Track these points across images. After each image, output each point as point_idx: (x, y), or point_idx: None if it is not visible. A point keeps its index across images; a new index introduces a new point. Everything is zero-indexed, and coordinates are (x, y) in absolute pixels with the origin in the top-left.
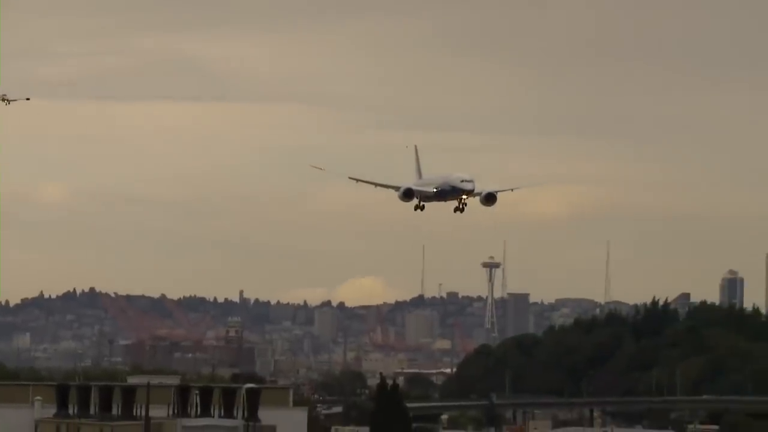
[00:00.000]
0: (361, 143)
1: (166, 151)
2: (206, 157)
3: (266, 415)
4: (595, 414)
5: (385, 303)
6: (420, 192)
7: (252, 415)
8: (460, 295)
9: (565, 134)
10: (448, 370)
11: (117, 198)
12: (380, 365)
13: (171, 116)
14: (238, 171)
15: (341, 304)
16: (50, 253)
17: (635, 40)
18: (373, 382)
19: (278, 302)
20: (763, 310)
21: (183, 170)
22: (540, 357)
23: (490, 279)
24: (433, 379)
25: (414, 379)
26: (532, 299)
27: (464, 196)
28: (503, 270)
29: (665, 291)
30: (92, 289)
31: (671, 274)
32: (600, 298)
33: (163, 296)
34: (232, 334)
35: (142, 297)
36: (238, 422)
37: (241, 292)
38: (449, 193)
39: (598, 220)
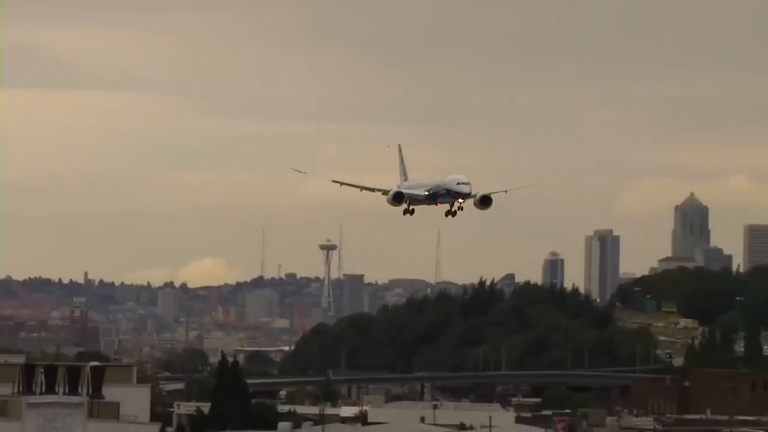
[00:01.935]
0: (203, 130)
1: (14, 136)
2: (52, 143)
3: (110, 392)
4: (426, 388)
5: (226, 284)
6: (410, 195)
7: (96, 392)
8: (298, 276)
9: (394, 123)
10: (287, 348)
11: None
12: (221, 343)
13: (18, 103)
14: (83, 155)
15: (184, 285)
16: None
17: (468, 33)
18: (214, 359)
19: (122, 283)
20: (582, 290)
21: (29, 154)
22: (374, 335)
23: (327, 261)
24: (272, 356)
25: (254, 357)
26: (366, 280)
27: (461, 200)
28: (339, 252)
29: (491, 272)
30: None
31: (497, 256)
32: (431, 279)
33: (9, 277)
34: (76, 314)
35: None
36: (82, 399)
37: (86, 274)
38: (443, 196)
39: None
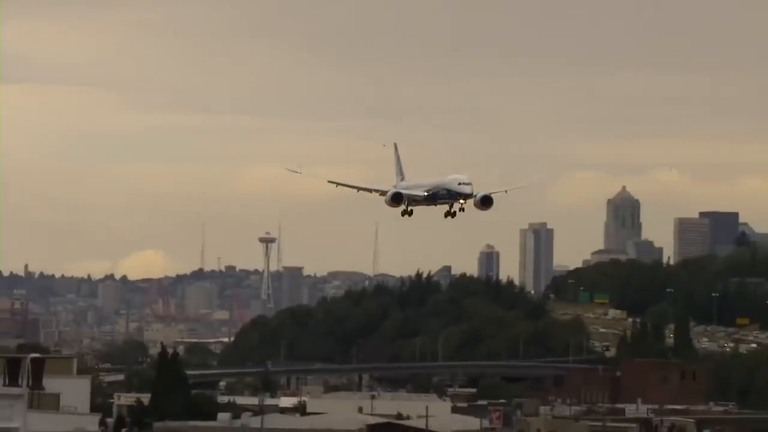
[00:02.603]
0: (142, 123)
1: None
2: None
3: (51, 383)
4: (364, 379)
5: (166, 276)
6: (409, 196)
7: (36, 383)
8: (237, 269)
9: (339, 117)
10: (227, 340)
11: None
12: (161, 335)
13: None
14: (25, 148)
15: (124, 277)
16: None
17: (404, 32)
18: (154, 351)
19: (63, 275)
20: (516, 282)
21: None
22: (313, 326)
23: (267, 253)
24: (212, 348)
25: (194, 348)
26: (305, 272)
27: (462, 201)
28: (279, 245)
29: (428, 264)
30: None
31: (434, 249)
32: (369, 271)
33: None
34: (17, 306)
35: None
36: (22, 390)
37: (26, 266)
38: (443, 196)
39: (367, 198)
